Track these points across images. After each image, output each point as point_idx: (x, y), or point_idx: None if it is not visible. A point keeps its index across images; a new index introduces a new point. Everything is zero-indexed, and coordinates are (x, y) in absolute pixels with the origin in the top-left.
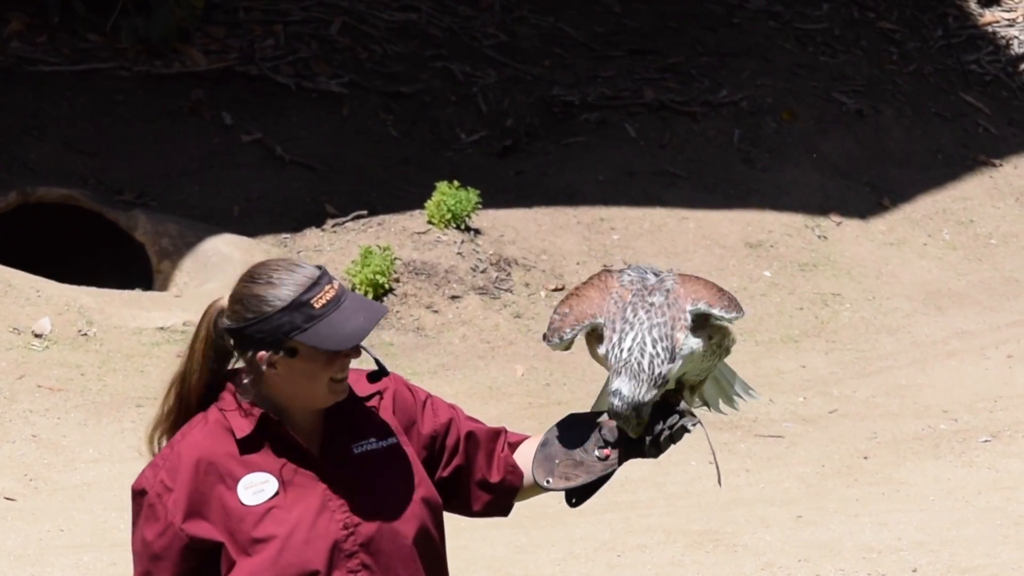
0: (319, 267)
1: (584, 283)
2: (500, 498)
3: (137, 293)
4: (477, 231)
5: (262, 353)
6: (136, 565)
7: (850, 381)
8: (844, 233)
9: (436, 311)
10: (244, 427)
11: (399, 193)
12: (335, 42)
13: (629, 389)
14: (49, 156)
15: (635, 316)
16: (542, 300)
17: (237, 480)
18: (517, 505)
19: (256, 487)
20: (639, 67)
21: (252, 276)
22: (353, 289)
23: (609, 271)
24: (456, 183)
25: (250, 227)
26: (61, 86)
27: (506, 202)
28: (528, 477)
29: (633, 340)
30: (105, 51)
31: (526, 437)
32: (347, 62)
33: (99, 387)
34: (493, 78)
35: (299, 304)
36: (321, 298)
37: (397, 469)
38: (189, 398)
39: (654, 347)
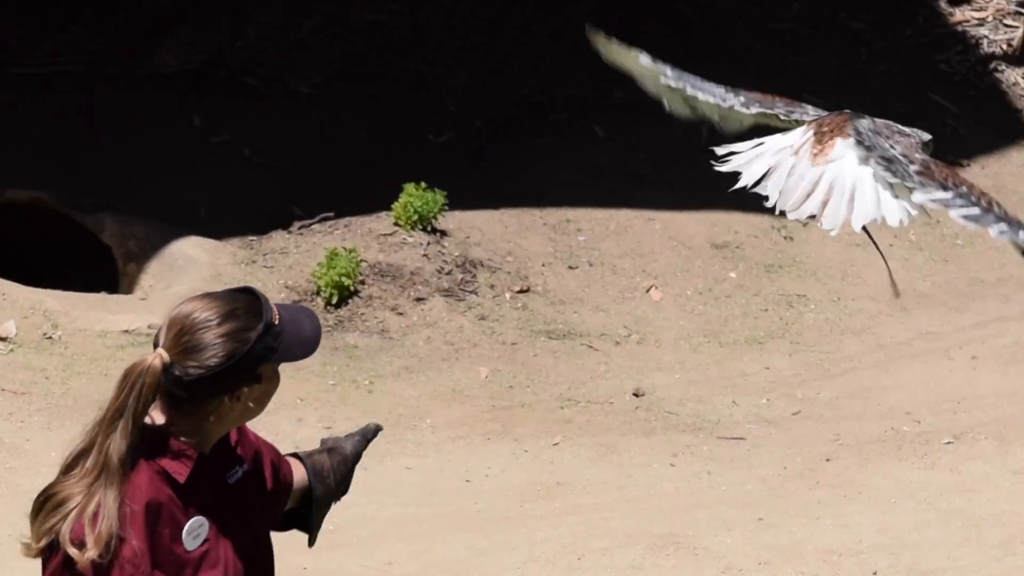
0: (246, 287)
1: None
2: None
3: (103, 296)
4: (443, 232)
5: (242, 389)
6: None
7: (814, 383)
8: (810, 234)
9: (401, 313)
10: (182, 471)
11: (366, 195)
12: (305, 43)
13: None
14: (18, 157)
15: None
16: (507, 302)
17: (181, 527)
18: (479, 508)
19: (195, 532)
20: (608, 67)
21: (201, 322)
22: (318, 292)
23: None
24: (423, 184)
25: (217, 229)
26: (31, 87)
27: (473, 203)
28: None
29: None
30: (74, 52)
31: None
32: (317, 63)
33: (63, 390)
34: (463, 79)
35: (269, 325)
36: (275, 313)
37: (262, 495)
38: (111, 461)
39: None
